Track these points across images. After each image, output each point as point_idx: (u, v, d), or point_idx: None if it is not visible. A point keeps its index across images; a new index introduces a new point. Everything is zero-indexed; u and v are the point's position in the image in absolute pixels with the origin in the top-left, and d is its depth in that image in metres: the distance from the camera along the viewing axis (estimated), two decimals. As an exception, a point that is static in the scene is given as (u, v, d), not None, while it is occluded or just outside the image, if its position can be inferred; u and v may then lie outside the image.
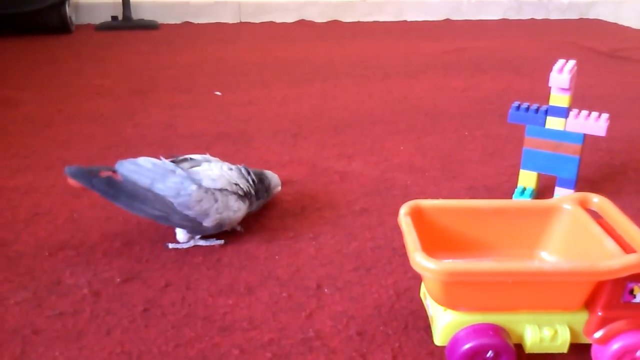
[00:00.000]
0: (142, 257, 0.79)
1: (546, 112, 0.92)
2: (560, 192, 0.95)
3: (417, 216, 0.64)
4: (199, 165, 0.83)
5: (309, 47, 2.29)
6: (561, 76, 0.88)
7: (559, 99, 0.90)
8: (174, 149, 1.18)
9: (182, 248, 0.82)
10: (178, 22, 2.85)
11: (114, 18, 2.72)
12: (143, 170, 0.78)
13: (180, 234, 0.82)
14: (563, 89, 0.89)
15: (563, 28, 2.85)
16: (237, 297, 0.71)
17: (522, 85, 1.73)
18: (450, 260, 0.64)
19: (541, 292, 0.56)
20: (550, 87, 0.90)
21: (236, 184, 0.83)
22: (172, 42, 2.36)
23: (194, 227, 0.80)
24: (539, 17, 3.15)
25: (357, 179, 1.06)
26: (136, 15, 2.76)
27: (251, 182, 0.86)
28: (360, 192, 1.00)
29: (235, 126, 1.34)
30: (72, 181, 0.79)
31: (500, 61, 2.05)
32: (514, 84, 1.74)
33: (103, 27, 2.64)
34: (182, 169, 0.80)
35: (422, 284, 0.66)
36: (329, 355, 0.61)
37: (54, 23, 2.47)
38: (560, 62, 0.91)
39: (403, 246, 0.79)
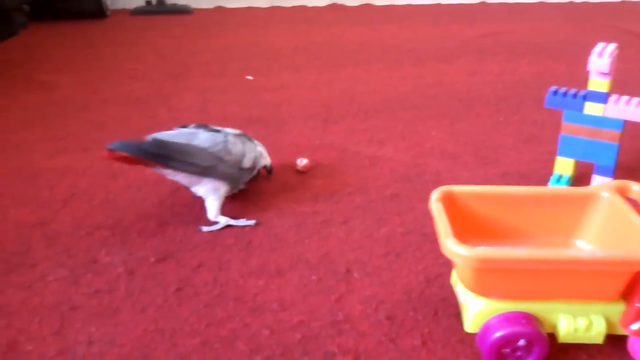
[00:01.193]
0: (176, 238, 0.81)
1: (584, 97, 0.89)
2: (598, 179, 0.92)
3: (449, 202, 0.63)
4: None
5: (341, 31, 2.27)
6: (601, 60, 0.85)
7: (598, 83, 0.87)
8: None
9: (216, 229, 0.83)
10: (210, 6, 2.87)
11: (148, 3, 2.75)
12: (173, 136, 0.82)
13: (212, 211, 0.83)
14: (602, 74, 0.86)
15: (604, 11, 2.75)
16: (267, 279, 0.71)
17: (559, 70, 1.68)
18: (483, 247, 0.63)
19: (576, 281, 0.55)
20: (589, 72, 0.87)
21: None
22: (204, 27, 2.38)
23: (235, 174, 0.85)
24: (578, -1, 3.05)
25: (387, 164, 1.05)
26: (169, -1, 2.78)
27: None
28: (391, 178, 0.99)
29: (267, 110, 1.34)
30: (118, 155, 0.76)
31: (537, 45, 2.00)
32: (551, 69, 1.69)
33: (137, 12, 2.68)
34: (198, 127, 0.87)
35: (453, 270, 0.65)
36: (358, 339, 0.61)
37: (90, 8, 2.52)
38: (600, 45, 0.88)
39: (434, 232, 0.79)
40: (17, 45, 1.89)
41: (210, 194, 0.83)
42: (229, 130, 0.90)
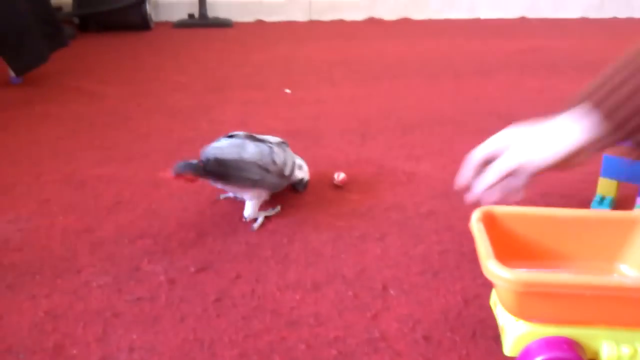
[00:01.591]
0: (215, 249, 0.82)
1: (631, 118, 0.87)
2: (643, 202, 0.90)
3: (490, 222, 0.62)
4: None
5: (379, 46, 2.28)
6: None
7: (645, 104, 0.85)
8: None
9: (259, 224, 0.88)
10: (251, 20, 2.92)
11: (191, 16, 2.82)
12: (225, 149, 0.86)
13: (252, 211, 0.88)
14: (651, 94, 0.84)
15: (650, 27, 2.68)
16: (304, 293, 0.72)
17: (603, 88, 1.65)
18: (524, 269, 0.63)
19: (621, 307, 0.54)
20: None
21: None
22: (245, 40, 2.42)
23: (277, 183, 0.90)
24: (622, 15, 2.98)
25: (424, 180, 1.05)
26: (211, 13, 2.85)
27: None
28: (428, 194, 0.99)
29: (305, 124, 1.36)
30: (183, 176, 0.80)
31: (579, 62, 1.97)
32: (594, 87, 1.66)
33: (180, 25, 2.75)
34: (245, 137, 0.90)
35: (493, 291, 0.65)
36: (394, 358, 0.61)
37: (135, 20, 2.60)
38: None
39: (472, 252, 0.78)
40: (67, 56, 1.97)
41: (254, 199, 0.88)
42: (270, 138, 0.93)
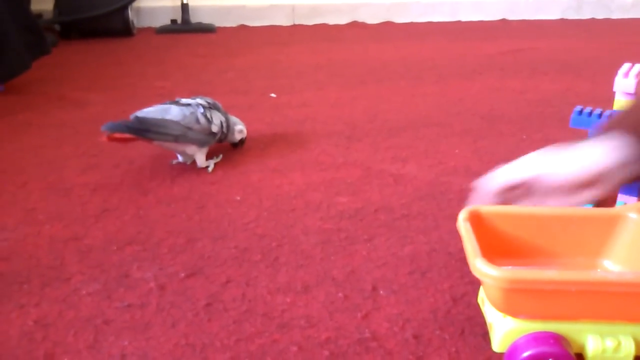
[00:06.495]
0: (205, 254, 0.82)
1: (610, 118, 0.89)
2: (623, 199, 0.92)
3: (477, 222, 0.63)
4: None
5: (362, 49, 2.30)
6: (627, 81, 0.86)
7: (624, 104, 0.88)
8: (232, 149, 1.22)
9: (212, 168, 1.10)
10: (234, 25, 2.92)
11: (174, 21, 2.81)
12: (151, 112, 1.03)
13: (202, 161, 1.09)
14: (628, 94, 0.86)
15: (626, 28, 2.74)
16: (294, 296, 0.73)
17: (583, 88, 1.68)
18: (510, 267, 0.64)
19: (605, 302, 0.55)
20: (614, 92, 0.87)
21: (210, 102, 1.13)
22: (228, 45, 2.42)
23: (203, 138, 1.07)
24: (600, 16, 3.04)
25: (411, 182, 1.06)
26: (194, 18, 2.84)
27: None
28: (415, 196, 1.00)
29: (290, 128, 1.37)
30: (113, 136, 0.98)
31: (559, 62, 2.00)
32: (575, 87, 1.69)
33: (163, 30, 2.74)
34: (172, 103, 1.07)
35: (480, 289, 0.66)
36: (385, 357, 0.62)
37: (118, 27, 2.59)
38: (626, 65, 0.88)
39: (459, 251, 0.79)
40: (50, 63, 1.95)
41: (197, 152, 1.09)
42: (199, 100, 1.10)
